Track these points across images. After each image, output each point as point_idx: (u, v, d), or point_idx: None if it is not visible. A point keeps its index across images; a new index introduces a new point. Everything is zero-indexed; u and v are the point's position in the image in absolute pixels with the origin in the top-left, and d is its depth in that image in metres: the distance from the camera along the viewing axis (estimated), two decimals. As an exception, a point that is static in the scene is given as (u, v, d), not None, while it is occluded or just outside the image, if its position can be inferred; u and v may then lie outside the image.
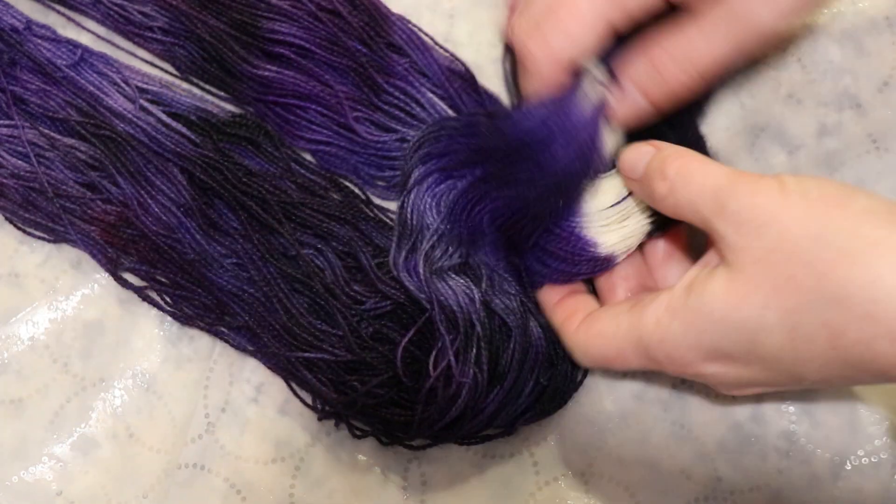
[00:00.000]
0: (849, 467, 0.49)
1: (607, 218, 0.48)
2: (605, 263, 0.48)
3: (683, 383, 0.51)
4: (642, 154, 0.44)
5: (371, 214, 0.52)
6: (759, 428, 0.50)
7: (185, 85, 0.56)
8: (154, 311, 0.53)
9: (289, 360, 0.49)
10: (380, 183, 0.53)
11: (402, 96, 0.53)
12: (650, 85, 0.46)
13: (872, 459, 0.49)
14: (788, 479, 0.49)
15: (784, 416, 0.50)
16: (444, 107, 0.53)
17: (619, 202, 0.47)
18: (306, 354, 0.49)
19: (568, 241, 0.48)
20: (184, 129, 0.53)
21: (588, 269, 0.48)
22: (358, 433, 0.49)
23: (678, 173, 0.42)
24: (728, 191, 0.40)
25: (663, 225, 0.48)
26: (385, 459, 0.51)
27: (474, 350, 0.46)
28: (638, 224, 0.47)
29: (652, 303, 0.43)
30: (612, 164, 0.48)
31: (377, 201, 0.53)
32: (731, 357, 0.40)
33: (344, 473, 0.51)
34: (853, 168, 0.52)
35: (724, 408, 0.50)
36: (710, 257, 0.42)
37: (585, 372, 0.50)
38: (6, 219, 0.54)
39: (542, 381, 0.48)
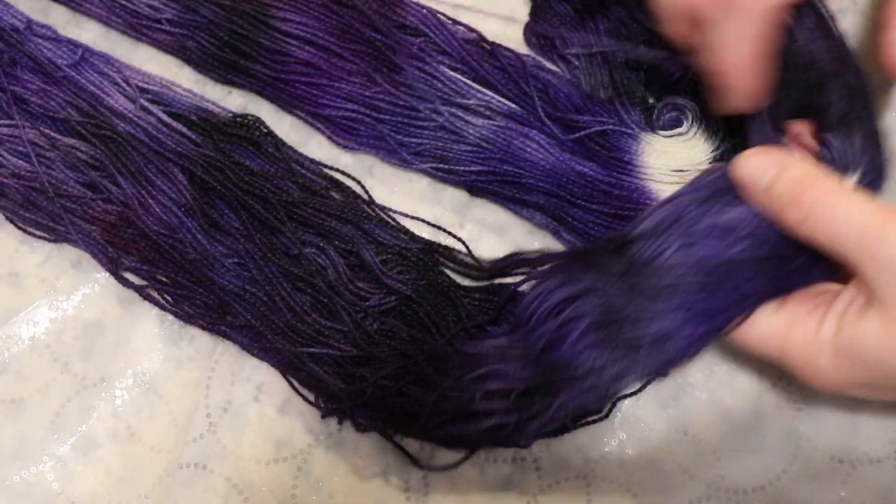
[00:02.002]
0: (851, 468, 0.49)
1: (668, 178, 0.47)
2: None
3: (684, 383, 0.51)
4: (764, 167, 0.42)
5: (373, 213, 0.52)
6: (761, 427, 0.50)
7: (185, 85, 0.56)
8: (154, 310, 0.53)
9: (294, 356, 0.49)
10: (404, 150, 0.54)
11: (422, 74, 0.53)
12: None
13: (875, 460, 0.49)
14: (791, 479, 0.49)
15: (787, 416, 0.50)
16: (465, 80, 0.53)
17: (681, 171, 0.47)
18: (312, 350, 0.49)
19: (630, 196, 0.47)
20: (184, 129, 0.53)
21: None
22: (363, 426, 0.49)
23: (816, 206, 0.40)
24: (879, 234, 0.38)
25: None
26: (387, 460, 0.50)
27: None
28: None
29: (802, 322, 0.42)
30: (682, 126, 0.49)
31: (397, 172, 0.55)
32: (878, 387, 0.41)
33: (346, 474, 0.50)
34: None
35: (725, 408, 0.50)
36: (855, 292, 0.41)
37: (613, 405, 0.50)
38: (6, 218, 0.54)
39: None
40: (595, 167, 0.51)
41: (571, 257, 0.46)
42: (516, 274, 0.49)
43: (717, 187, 0.44)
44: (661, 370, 0.45)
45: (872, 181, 0.44)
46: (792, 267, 0.43)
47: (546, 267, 0.46)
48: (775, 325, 0.43)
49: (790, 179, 0.41)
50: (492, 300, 0.50)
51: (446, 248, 0.52)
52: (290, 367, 0.50)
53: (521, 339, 0.45)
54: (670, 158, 0.51)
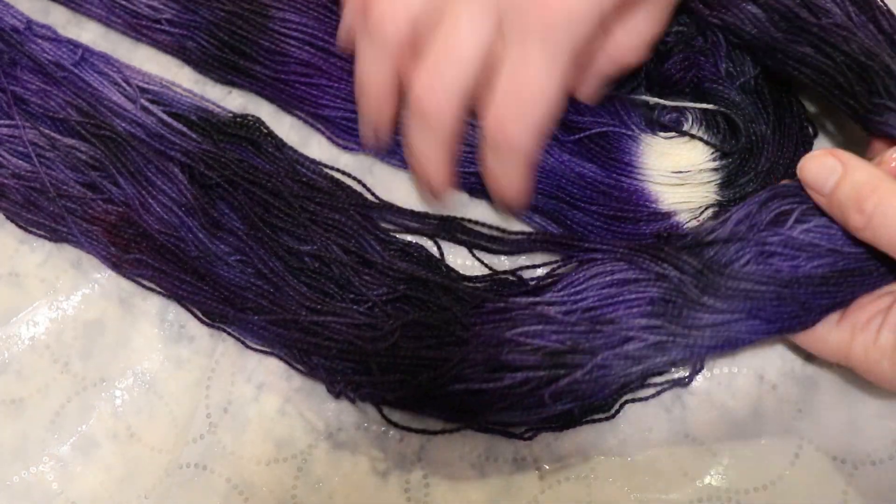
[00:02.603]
0: (853, 468, 0.49)
1: (668, 179, 0.48)
2: (667, 219, 0.49)
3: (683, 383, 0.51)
4: (828, 170, 0.43)
5: (377, 202, 0.53)
6: (762, 428, 0.50)
7: (185, 85, 0.56)
8: (154, 310, 0.53)
9: (312, 324, 0.48)
10: (404, 150, 0.53)
11: None
12: None
13: (877, 461, 0.49)
14: (792, 479, 0.49)
15: (787, 417, 0.50)
16: None
17: (681, 172, 0.49)
18: (328, 318, 0.48)
19: (630, 197, 0.48)
20: (184, 129, 0.53)
21: (652, 227, 0.49)
22: (376, 398, 0.49)
23: (877, 209, 0.40)
24: None
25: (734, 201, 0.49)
26: (387, 460, 0.50)
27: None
28: (700, 194, 0.49)
29: (862, 332, 0.44)
30: (682, 128, 0.50)
31: (396, 172, 0.55)
32: None
33: (346, 474, 0.50)
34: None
35: (725, 407, 0.50)
36: None
37: (622, 406, 0.50)
38: (7, 218, 0.54)
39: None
40: (595, 168, 0.51)
41: (634, 249, 0.47)
42: (542, 252, 0.50)
43: (791, 194, 0.45)
44: (705, 357, 0.46)
45: None
46: (861, 279, 0.44)
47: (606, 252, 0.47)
48: (838, 337, 0.45)
49: (854, 182, 0.42)
50: (500, 291, 0.50)
51: (463, 221, 0.52)
52: (300, 345, 0.50)
53: (567, 296, 0.46)
54: (670, 160, 0.51)
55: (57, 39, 0.56)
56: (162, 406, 0.52)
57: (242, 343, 0.52)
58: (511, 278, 0.51)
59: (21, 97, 0.54)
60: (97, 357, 0.53)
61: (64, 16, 0.58)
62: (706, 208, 0.50)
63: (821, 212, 0.45)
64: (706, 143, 0.51)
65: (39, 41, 0.56)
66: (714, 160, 0.51)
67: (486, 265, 0.52)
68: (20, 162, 0.53)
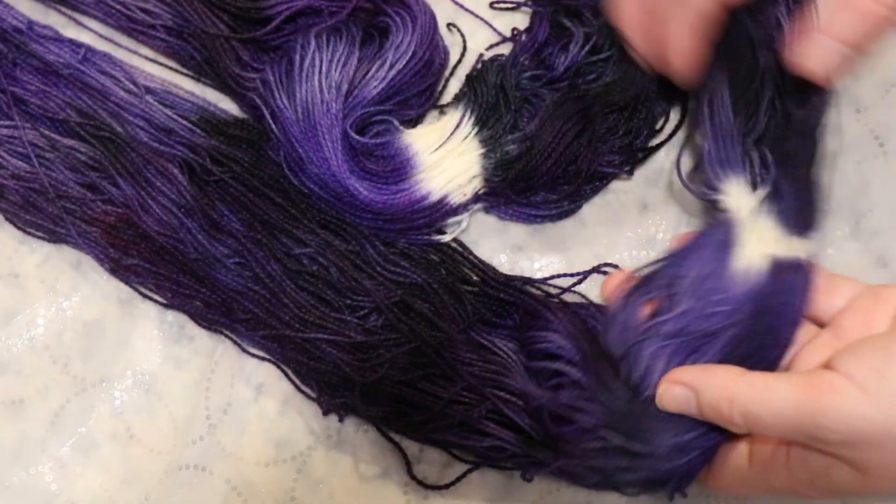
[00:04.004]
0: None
1: (431, 158, 0.50)
2: (442, 207, 0.50)
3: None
4: (684, 400, 0.43)
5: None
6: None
7: (186, 86, 0.56)
8: (154, 311, 0.53)
9: (304, 341, 0.49)
10: None
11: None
12: (848, 28, 0.43)
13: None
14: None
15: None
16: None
17: (438, 147, 0.50)
18: (319, 336, 0.48)
19: (406, 206, 0.50)
20: (185, 129, 0.53)
21: (426, 217, 0.50)
22: (366, 415, 0.49)
23: (747, 417, 0.40)
24: (808, 411, 0.39)
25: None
26: (386, 461, 0.50)
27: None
28: (464, 165, 0.50)
29: (778, 470, 0.43)
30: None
31: None
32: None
33: (345, 475, 0.50)
34: (858, 170, 0.53)
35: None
36: (817, 458, 0.41)
37: None
38: (6, 219, 0.54)
39: None
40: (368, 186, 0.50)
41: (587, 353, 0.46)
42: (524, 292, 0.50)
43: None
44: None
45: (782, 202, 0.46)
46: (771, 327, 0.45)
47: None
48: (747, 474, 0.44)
49: (710, 404, 0.42)
50: (497, 297, 0.50)
51: (453, 245, 0.52)
52: (293, 361, 0.50)
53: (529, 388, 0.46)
54: (428, 138, 0.51)
55: (59, 39, 0.56)
56: (161, 407, 0.52)
57: (241, 347, 0.52)
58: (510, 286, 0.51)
59: (21, 98, 0.54)
60: (97, 358, 0.53)
61: (63, 18, 0.58)
62: (473, 179, 0.50)
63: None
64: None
65: (42, 41, 0.56)
66: (472, 123, 0.51)
67: (485, 267, 0.52)
68: (19, 163, 0.53)
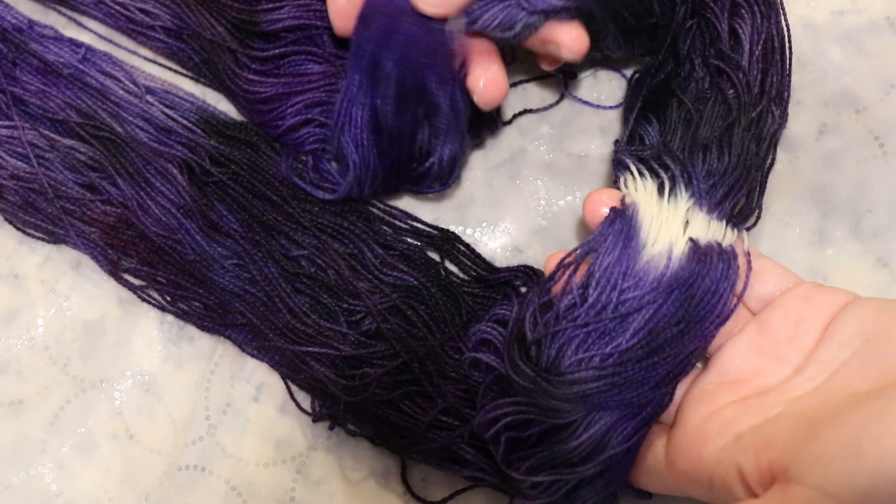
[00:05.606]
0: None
1: None
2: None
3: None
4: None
5: (376, 212, 0.52)
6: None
7: (186, 87, 0.56)
8: (154, 311, 0.53)
9: (293, 355, 0.49)
10: None
11: None
12: None
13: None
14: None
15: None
16: None
17: None
18: (310, 349, 0.48)
19: None
20: (185, 130, 0.53)
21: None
22: (353, 432, 0.49)
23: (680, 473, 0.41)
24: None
25: None
26: (386, 461, 0.50)
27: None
28: None
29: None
30: None
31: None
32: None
33: (344, 475, 0.50)
34: (858, 170, 0.53)
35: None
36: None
37: None
38: (6, 220, 0.54)
39: None
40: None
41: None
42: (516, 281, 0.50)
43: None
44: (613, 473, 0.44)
45: None
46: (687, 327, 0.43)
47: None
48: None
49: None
50: (493, 297, 0.50)
51: (453, 238, 0.52)
52: (288, 368, 0.50)
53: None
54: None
55: (59, 39, 0.56)
56: (161, 407, 0.52)
57: (240, 348, 0.52)
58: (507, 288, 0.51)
59: (20, 98, 0.54)
60: (97, 358, 0.53)
61: (62, 19, 0.58)
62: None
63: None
64: None
65: (42, 40, 0.56)
66: None
67: (483, 268, 0.52)
68: (19, 163, 0.53)
